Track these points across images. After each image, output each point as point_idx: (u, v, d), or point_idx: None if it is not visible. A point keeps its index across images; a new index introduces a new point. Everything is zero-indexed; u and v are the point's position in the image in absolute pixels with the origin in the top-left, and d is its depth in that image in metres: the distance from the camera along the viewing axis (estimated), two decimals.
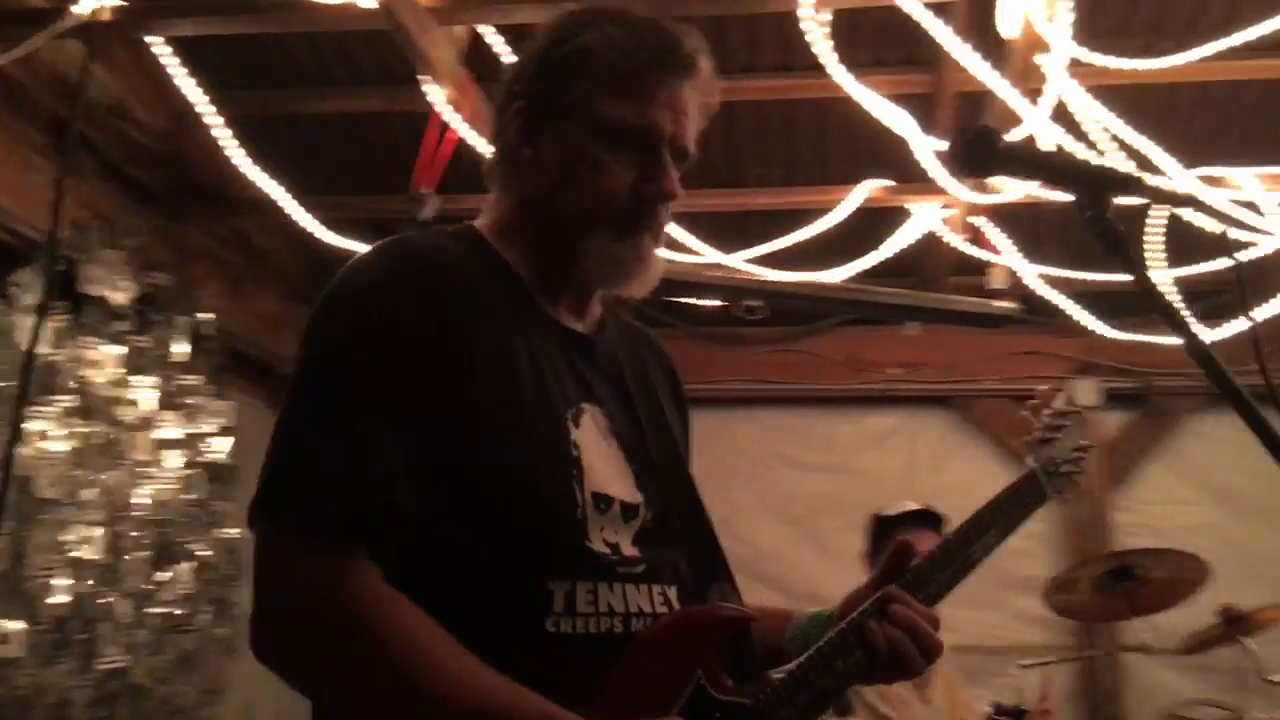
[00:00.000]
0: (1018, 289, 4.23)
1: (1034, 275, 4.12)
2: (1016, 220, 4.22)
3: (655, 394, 1.54)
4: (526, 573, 1.29)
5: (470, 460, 1.28)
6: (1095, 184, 1.25)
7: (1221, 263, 3.64)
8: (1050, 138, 2.79)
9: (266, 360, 4.97)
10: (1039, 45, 2.76)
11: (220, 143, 3.41)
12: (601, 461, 1.38)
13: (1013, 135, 3.13)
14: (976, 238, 4.15)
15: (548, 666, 1.23)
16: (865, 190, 4.02)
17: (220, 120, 3.39)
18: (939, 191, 4.15)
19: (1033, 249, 4.17)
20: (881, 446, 5.49)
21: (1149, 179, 1.26)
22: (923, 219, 4.11)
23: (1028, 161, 1.31)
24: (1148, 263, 4.06)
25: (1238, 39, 2.94)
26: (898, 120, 3.17)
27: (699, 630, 1.35)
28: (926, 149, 3.32)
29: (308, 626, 1.20)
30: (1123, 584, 3.22)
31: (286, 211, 3.62)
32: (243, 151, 3.47)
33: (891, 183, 4.10)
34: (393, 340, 1.29)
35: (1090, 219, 1.24)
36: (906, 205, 4.15)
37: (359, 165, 4.69)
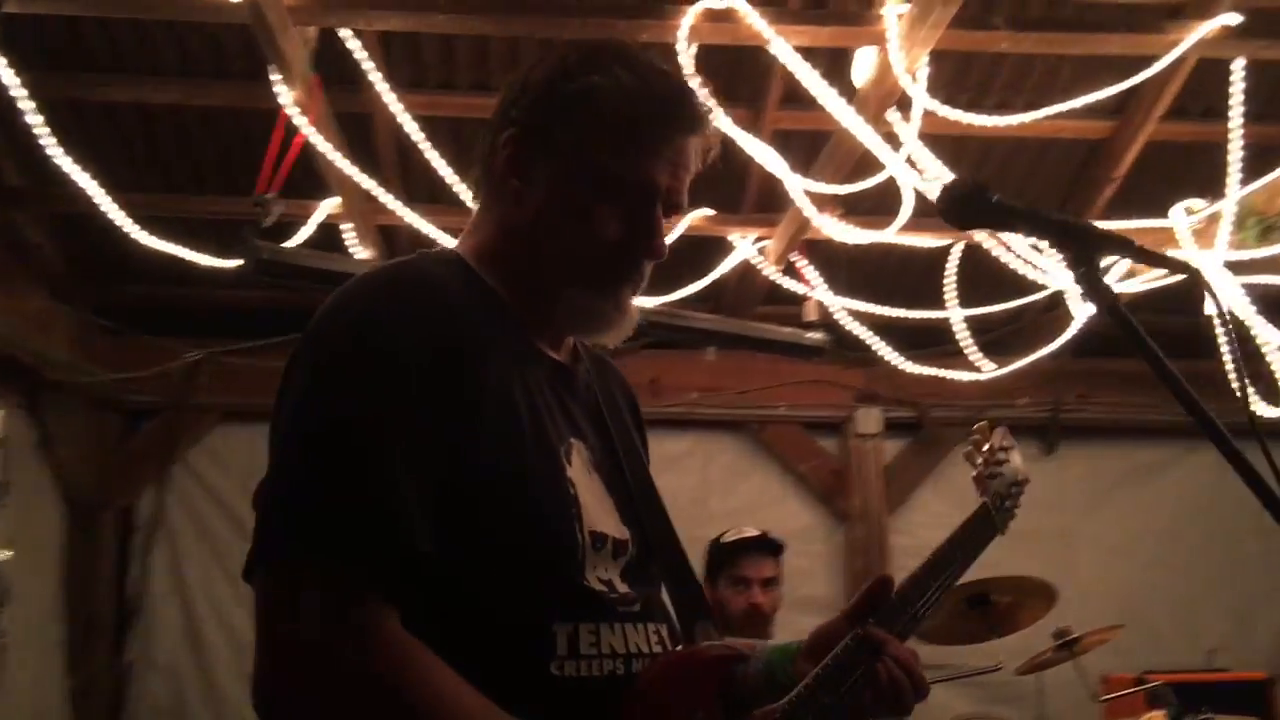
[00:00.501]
0: (825, 320, 4.44)
1: (840, 309, 4.34)
2: (823, 254, 4.45)
3: (625, 424, 1.53)
4: (531, 615, 1.25)
5: (476, 499, 1.23)
6: (1084, 242, 1.33)
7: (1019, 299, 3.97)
8: (907, 182, 2.98)
9: (31, 363, 4.59)
10: (890, 95, 2.95)
11: (34, 130, 3.10)
12: (592, 498, 1.36)
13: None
14: (791, 270, 4.33)
15: (554, 712, 1.20)
16: (689, 218, 4.12)
17: (32, 105, 3.09)
18: (757, 224, 4.32)
19: (835, 283, 4.40)
20: (675, 469, 5.62)
21: (1127, 238, 1.35)
22: (741, 249, 4.26)
23: (1017, 217, 1.38)
24: (947, 299, 4.36)
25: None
26: (765, 156, 3.27)
27: (698, 672, 1.35)
28: (797, 187, 3.43)
29: (341, 681, 1.12)
30: (979, 608, 3.42)
31: (100, 207, 3.34)
32: (53, 140, 3.18)
33: (712, 212, 4.23)
34: (404, 374, 1.22)
35: (1081, 276, 1.32)
36: (728, 236, 4.29)
37: (195, 163, 4.45)
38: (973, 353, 4.51)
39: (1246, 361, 4.19)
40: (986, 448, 1.79)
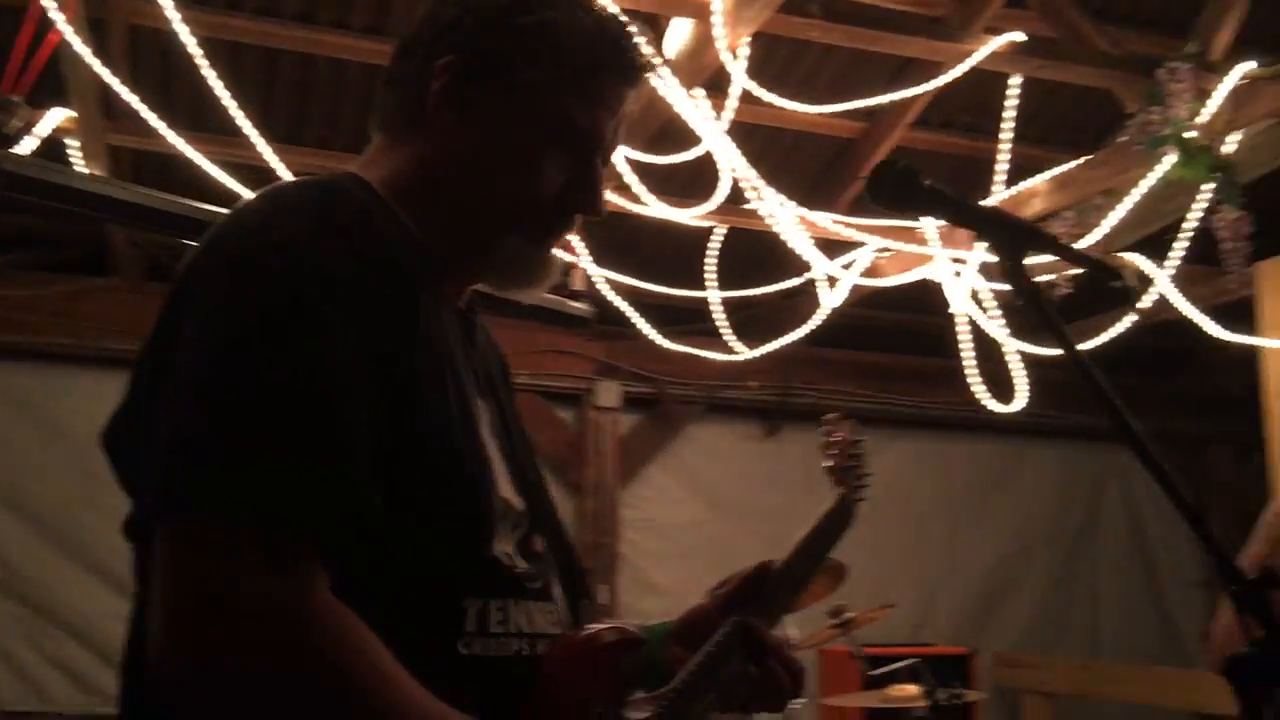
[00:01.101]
0: (588, 291, 4.38)
1: (604, 280, 4.30)
2: (590, 226, 4.38)
3: (507, 384, 1.43)
4: (443, 587, 1.13)
5: (408, 460, 1.10)
6: (1013, 238, 1.34)
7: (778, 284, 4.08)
8: (725, 160, 2.95)
9: None
10: (703, 71, 2.91)
11: None
12: (497, 464, 1.25)
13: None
14: None
15: (457, 693, 1.08)
16: None
17: None
18: None
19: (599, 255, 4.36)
20: None
21: (1053, 234, 1.37)
22: None
23: (948, 205, 1.38)
24: (707, 281, 4.42)
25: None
26: None
27: (600, 658, 1.26)
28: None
29: (277, 650, 0.96)
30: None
31: None
32: None
33: None
34: (340, 300, 1.07)
35: (1010, 270, 1.33)
36: None
37: None
38: (728, 334, 4.60)
39: (987, 362, 4.52)
40: (839, 439, 1.82)
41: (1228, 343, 4.38)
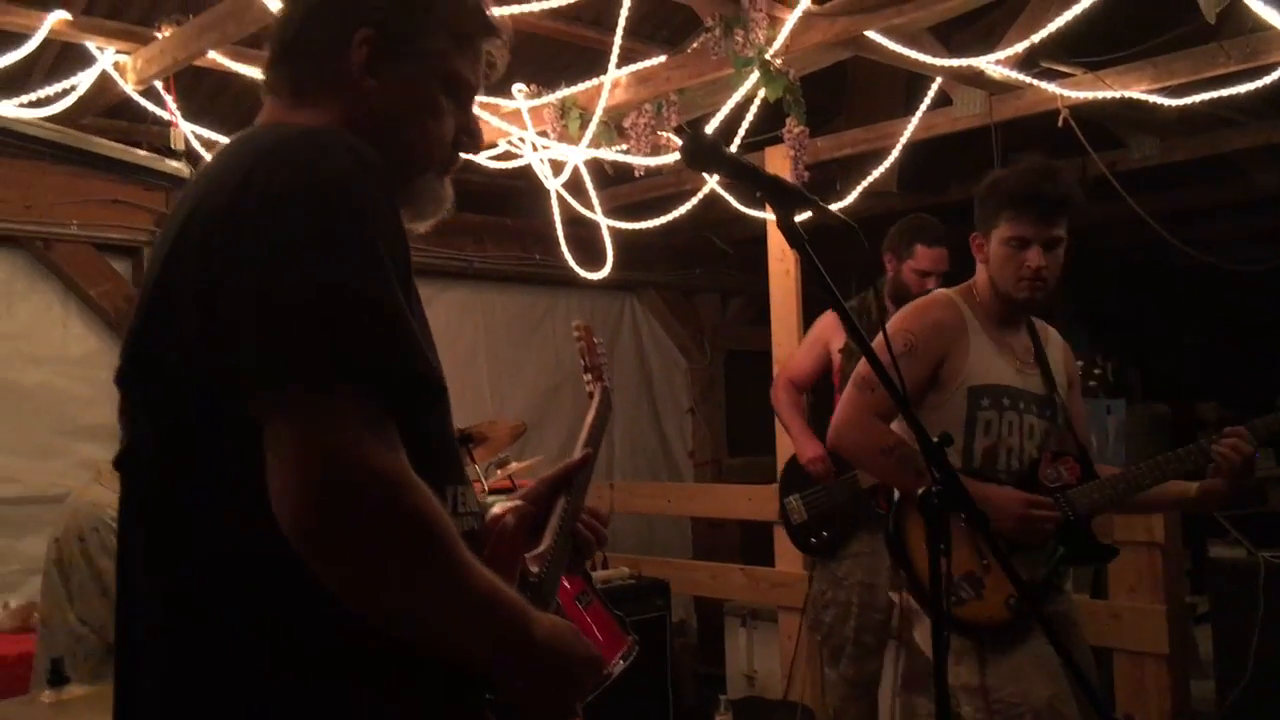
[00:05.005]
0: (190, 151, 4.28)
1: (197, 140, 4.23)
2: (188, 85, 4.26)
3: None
4: (437, 478, 1.36)
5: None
6: (788, 200, 1.80)
7: None
8: None
9: None
10: None
11: None
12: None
13: None
14: (151, 93, 4.08)
15: None
16: (52, 20, 3.70)
17: None
18: (122, 35, 4.00)
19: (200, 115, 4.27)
20: None
21: (814, 198, 1.84)
22: (103, 60, 3.91)
23: (741, 169, 1.81)
24: None
25: None
26: None
27: (518, 528, 1.59)
28: None
29: (393, 510, 1.19)
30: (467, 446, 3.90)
31: None
32: None
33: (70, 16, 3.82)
34: (385, 231, 1.30)
35: (787, 228, 1.79)
36: (86, 43, 3.89)
37: None
38: None
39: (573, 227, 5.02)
40: (588, 343, 2.22)
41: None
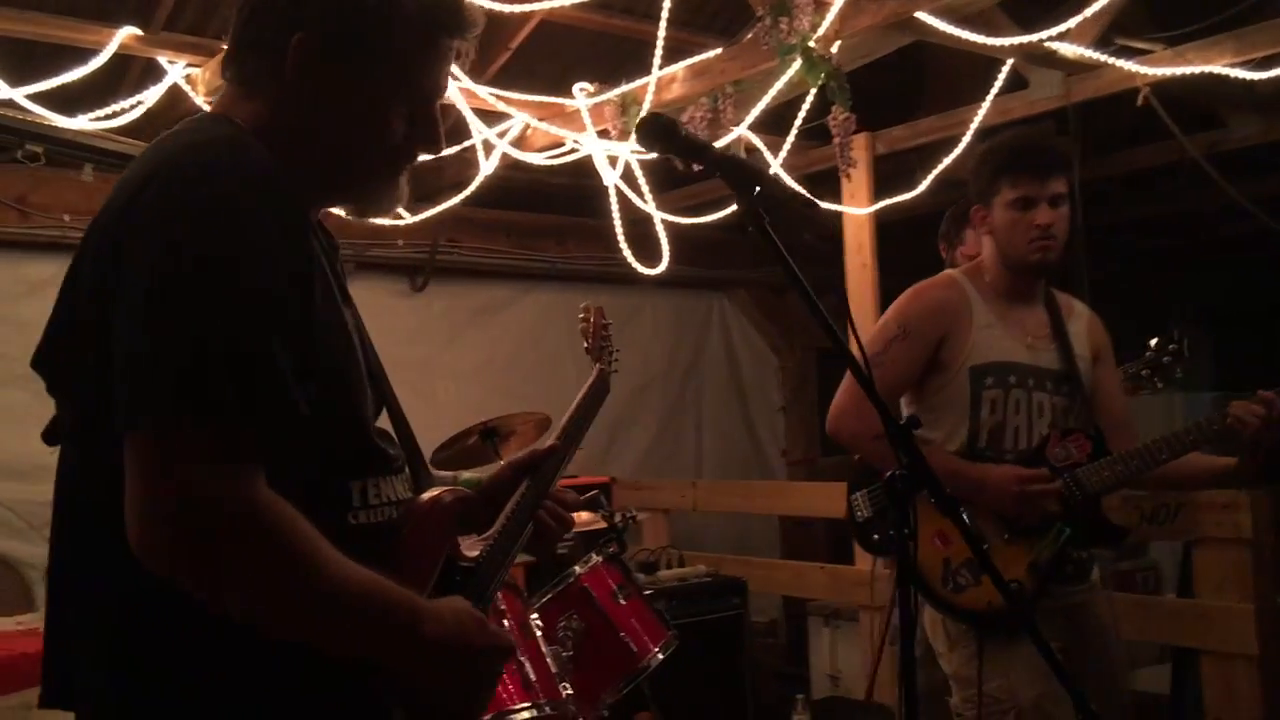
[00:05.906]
0: None
1: None
2: None
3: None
4: (334, 474, 1.41)
5: (313, 371, 1.33)
6: (749, 181, 1.75)
7: None
8: None
9: None
10: None
11: None
12: (365, 364, 1.52)
13: None
14: None
15: (350, 555, 1.35)
16: (121, 36, 3.86)
17: None
18: (190, 49, 4.15)
19: None
20: (40, 295, 5.18)
21: (774, 176, 1.80)
22: (173, 73, 4.07)
23: (698, 150, 1.78)
24: None
25: None
26: None
27: (445, 513, 1.57)
28: None
29: (236, 537, 1.23)
30: (489, 439, 4.04)
31: None
32: None
33: (140, 31, 3.98)
34: (273, 242, 1.30)
35: (747, 212, 1.74)
36: (157, 57, 4.06)
37: None
38: None
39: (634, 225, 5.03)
40: (592, 323, 2.21)
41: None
